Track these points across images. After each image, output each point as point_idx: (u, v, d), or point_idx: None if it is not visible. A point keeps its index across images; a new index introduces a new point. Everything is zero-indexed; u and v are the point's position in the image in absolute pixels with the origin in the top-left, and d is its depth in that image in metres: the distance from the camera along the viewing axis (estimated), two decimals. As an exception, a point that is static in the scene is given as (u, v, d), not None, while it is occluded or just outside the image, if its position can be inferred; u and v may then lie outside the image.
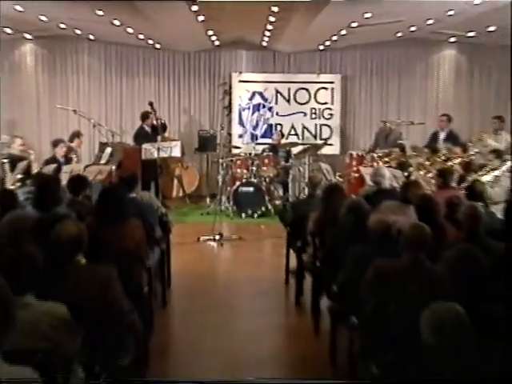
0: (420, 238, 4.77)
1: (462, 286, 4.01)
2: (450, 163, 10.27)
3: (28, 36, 13.69)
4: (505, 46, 13.44)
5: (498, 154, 10.14)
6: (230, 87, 14.34)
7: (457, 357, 3.19)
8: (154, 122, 12.63)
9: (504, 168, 9.78)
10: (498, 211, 6.99)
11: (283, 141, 13.50)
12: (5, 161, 9.91)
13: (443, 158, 10.81)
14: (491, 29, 11.26)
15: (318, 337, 6.51)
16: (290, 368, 6.02)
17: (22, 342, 3.44)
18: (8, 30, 12.38)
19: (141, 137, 12.51)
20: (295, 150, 12.99)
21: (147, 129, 12.70)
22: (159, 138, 12.52)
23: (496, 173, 9.73)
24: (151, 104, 12.78)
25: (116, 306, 4.58)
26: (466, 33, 12.38)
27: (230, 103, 14.25)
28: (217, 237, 10.27)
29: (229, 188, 12.48)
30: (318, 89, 14.45)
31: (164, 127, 13.11)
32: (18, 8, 9.82)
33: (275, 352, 6.33)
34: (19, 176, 9.27)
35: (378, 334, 4.34)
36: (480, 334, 3.32)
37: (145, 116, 12.79)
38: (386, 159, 11.29)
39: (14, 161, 9.86)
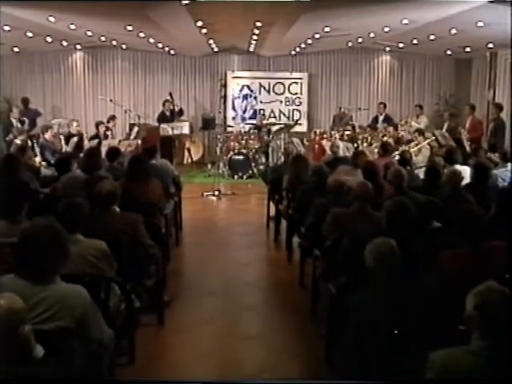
0: (365, 192, 4.79)
1: (394, 226, 4.02)
2: (386, 138, 10.29)
3: (78, 47, 13.54)
4: (425, 54, 13.63)
5: (420, 132, 10.24)
6: (226, 82, 14.14)
7: (389, 277, 3.21)
8: (171, 107, 12.66)
9: (424, 142, 9.85)
10: (421, 173, 7.02)
11: (265, 121, 13.40)
12: (61, 137, 9.94)
13: (381, 134, 10.84)
14: (415, 42, 11.20)
15: (291, 265, 6.52)
16: (270, 287, 6.02)
17: (74, 268, 3.45)
18: (64, 43, 12.28)
19: (162, 119, 12.48)
20: (274, 129, 12.89)
21: (167, 113, 12.65)
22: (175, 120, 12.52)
23: (419, 146, 9.78)
24: (170, 94, 12.81)
25: (142, 242, 4.61)
26: (398, 44, 12.29)
27: (225, 94, 14.04)
28: (216, 193, 10.21)
29: (225, 157, 12.38)
30: (291, 83, 14.26)
31: (181, 112, 13.07)
32: (72, 26, 9.65)
33: (259, 276, 6.34)
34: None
35: (334, 262, 4.35)
36: (406, 261, 3.34)
37: (165, 103, 12.77)
38: (341, 134, 11.30)
39: (69, 137, 9.91)
